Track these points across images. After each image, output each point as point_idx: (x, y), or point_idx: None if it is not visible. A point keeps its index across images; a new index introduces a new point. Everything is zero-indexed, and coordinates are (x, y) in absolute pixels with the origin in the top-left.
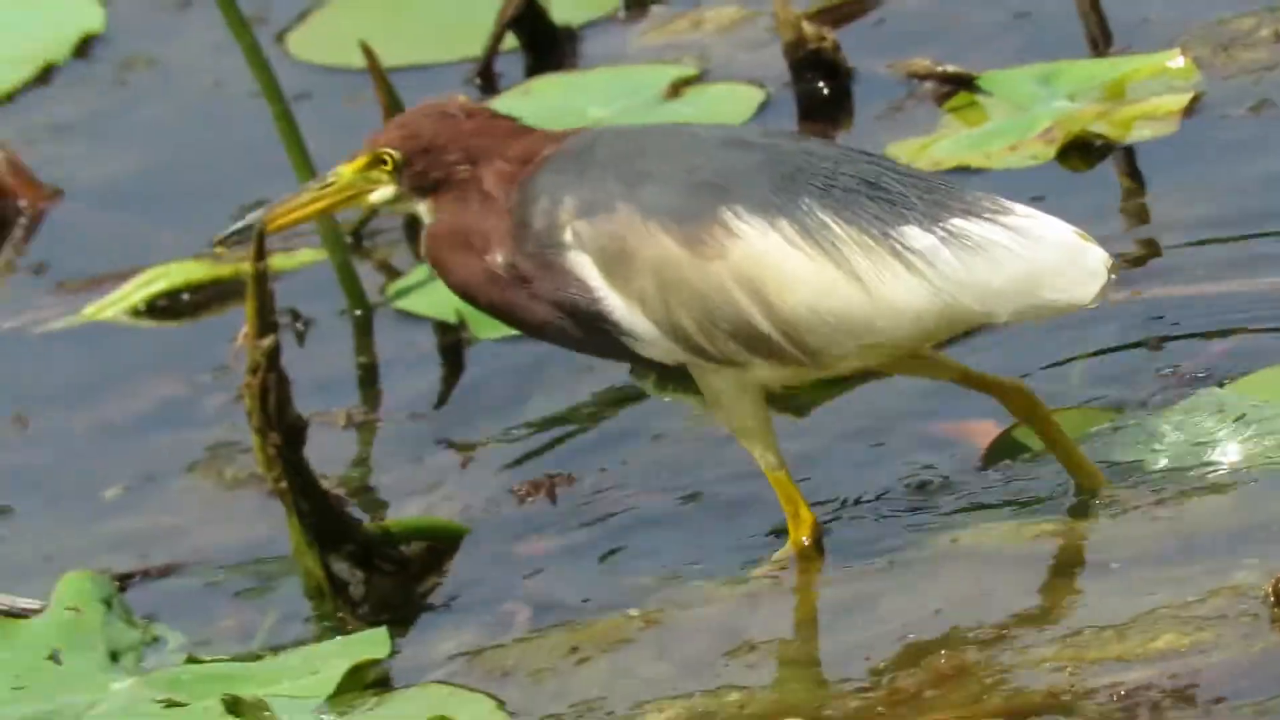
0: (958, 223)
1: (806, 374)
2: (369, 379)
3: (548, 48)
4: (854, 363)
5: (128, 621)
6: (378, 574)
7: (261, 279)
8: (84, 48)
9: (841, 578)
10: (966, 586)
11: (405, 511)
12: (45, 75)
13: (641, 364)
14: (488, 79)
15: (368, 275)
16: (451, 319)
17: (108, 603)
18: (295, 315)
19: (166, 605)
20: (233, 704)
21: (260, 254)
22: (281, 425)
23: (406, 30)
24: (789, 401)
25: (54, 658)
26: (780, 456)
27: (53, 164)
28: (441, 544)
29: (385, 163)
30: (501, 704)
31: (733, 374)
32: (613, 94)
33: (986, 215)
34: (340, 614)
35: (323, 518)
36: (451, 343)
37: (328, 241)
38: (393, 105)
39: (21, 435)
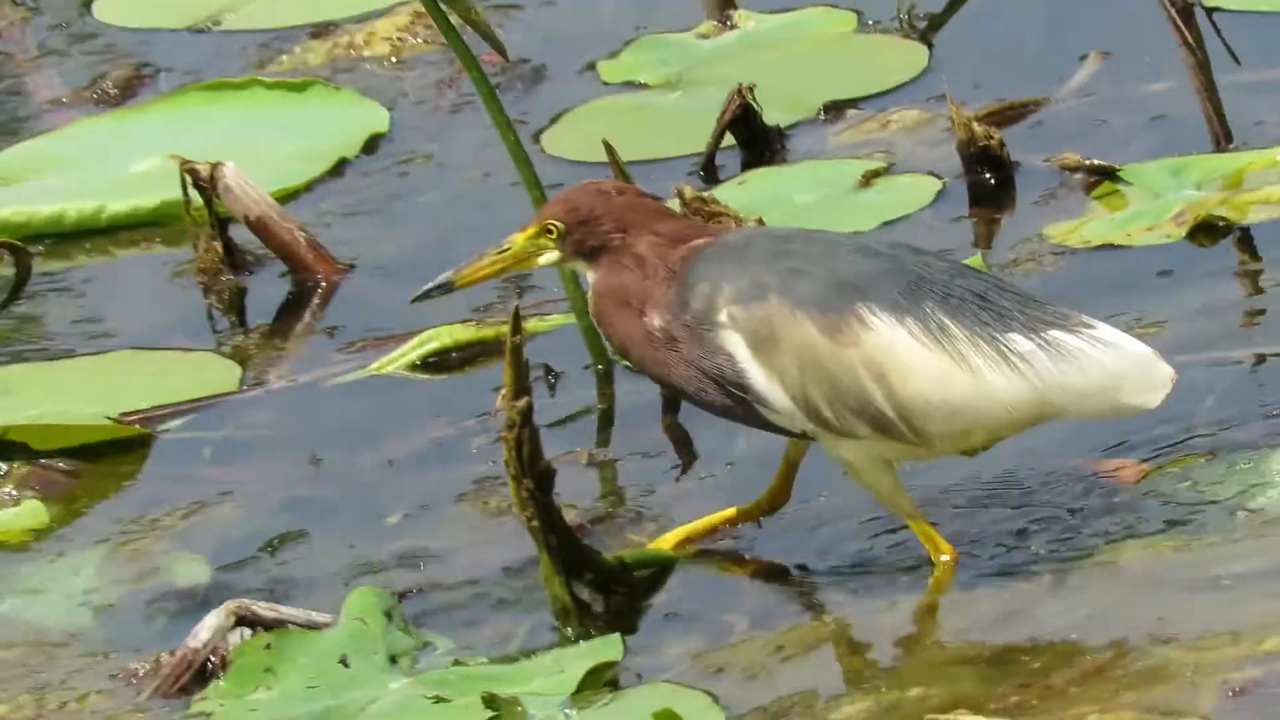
0: (1052, 333)
1: (911, 452)
2: (607, 423)
3: (760, 145)
4: (952, 446)
5: (405, 630)
6: (614, 595)
7: (518, 350)
8: (372, 145)
9: (1000, 592)
10: (1107, 599)
11: (639, 535)
12: (339, 169)
13: (769, 429)
14: (710, 171)
15: None
16: None
17: (389, 614)
18: (548, 369)
19: (437, 616)
20: (490, 700)
21: (517, 328)
22: (534, 472)
23: (641, 130)
24: None
25: (343, 661)
26: (911, 504)
27: (345, 244)
28: (665, 568)
29: (551, 232)
30: (716, 699)
31: (851, 445)
32: (814, 184)
33: (1075, 329)
34: (583, 630)
35: (567, 550)
36: (674, 394)
37: (576, 307)
38: None
39: (316, 472)
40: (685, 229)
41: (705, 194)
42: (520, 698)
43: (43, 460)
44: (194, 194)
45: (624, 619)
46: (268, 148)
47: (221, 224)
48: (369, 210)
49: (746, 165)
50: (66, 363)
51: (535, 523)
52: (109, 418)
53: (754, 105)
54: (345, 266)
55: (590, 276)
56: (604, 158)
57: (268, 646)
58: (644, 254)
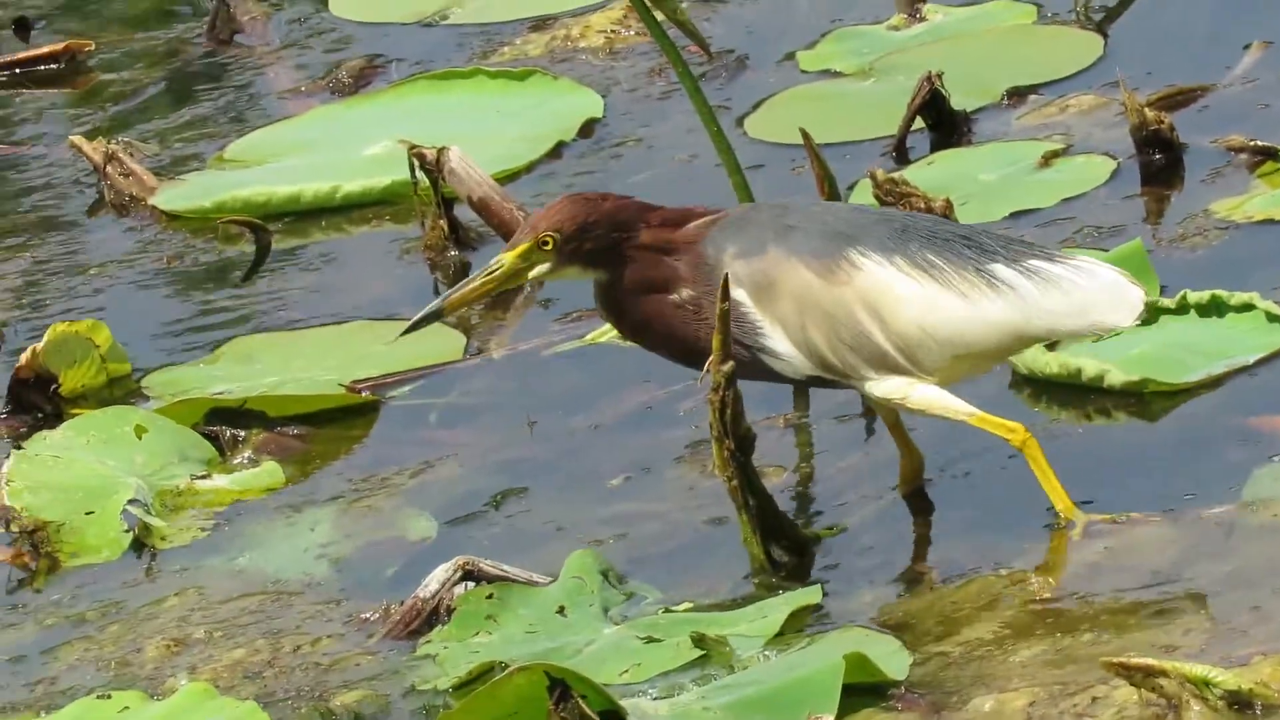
0: (1033, 263)
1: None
2: (802, 391)
3: (948, 128)
4: (947, 375)
5: (618, 586)
6: (808, 556)
7: (725, 316)
8: (587, 130)
9: (1165, 547)
10: (1267, 553)
11: (829, 492)
12: (556, 151)
13: (781, 382)
14: (900, 153)
15: None
16: None
17: (604, 573)
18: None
19: (649, 572)
20: (699, 639)
21: (726, 295)
22: (735, 434)
23: (836, 115)
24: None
25: (560, 612)
26: (962, 403)
27: None
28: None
29: (547, 244)
30: (904, 643)
31: (869, 386)
32: (998, 164)
33: (1054, 259)
34: (778, 583)
35: (764, 513)
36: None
37: None
38: (825, 174)
39: (533, 435)
40: (679, 213)
41: (896, 175)
42: (726, 638)
43: (278, 428)
44: (421, 176)
45: (819, 572)
46: (490, 132)
47: (446, 204)
48: (584, 190)
49: (935, 147)
50: (303, 333)
51: (735, 483)
52: (342, 385)
53: (942, 91)
54: None
55: (598, 278)
56: (799, 140)
57: (490, 596)
58: (650, 241)
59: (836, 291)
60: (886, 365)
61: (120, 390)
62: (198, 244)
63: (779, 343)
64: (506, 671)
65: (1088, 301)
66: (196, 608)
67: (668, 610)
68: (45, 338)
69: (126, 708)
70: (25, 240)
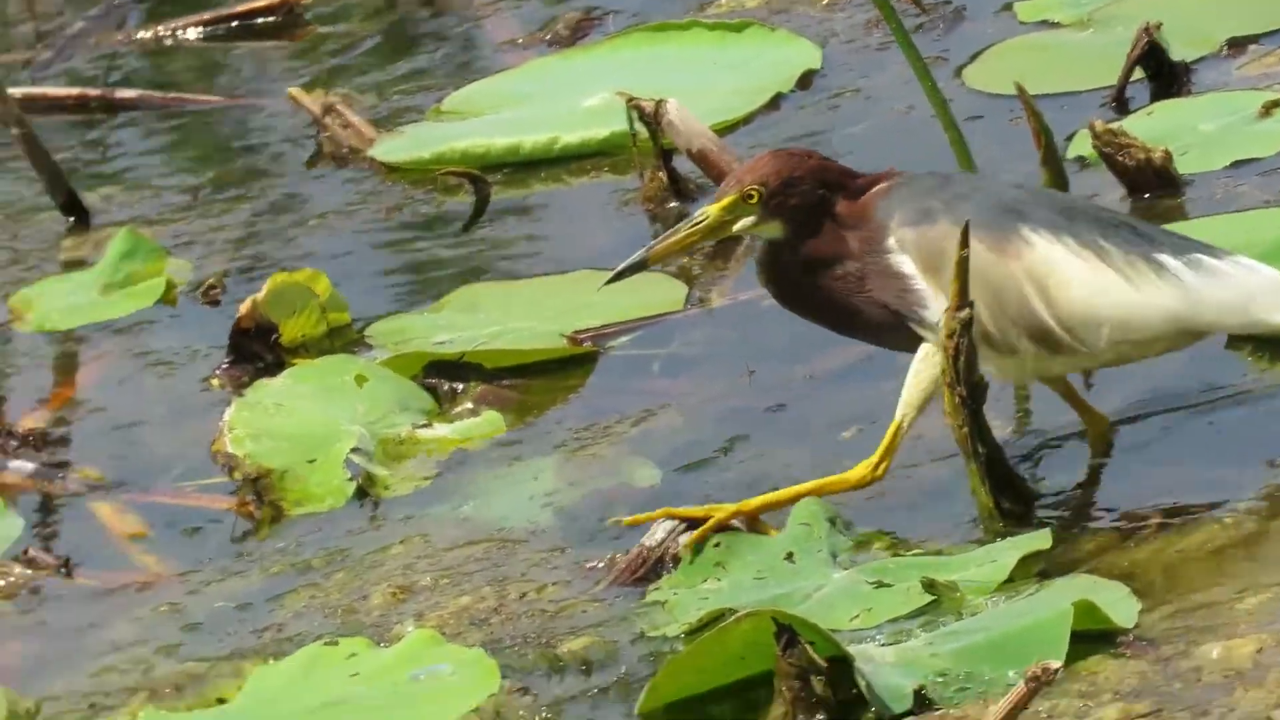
0: (1196, 255)
1: (1064, 364)
2: None
3: (1167, 78)
4: (1105, 357)
5: (845, 532)
6: (1035, 507)
7: (964, 264)
8: (805, 81)
9: None
10: None
11: (1050, 444)
12: (774, 103)
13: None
14: (1120, 104)
15: None
16: None
17: (831, 520)
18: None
19: (875, 516)
20: (929, 584)
21: (965, 243)
22: (967, 382)
23: (1054, 66)
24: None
25: (789, 558)
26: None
27: None
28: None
29: (752, 197)
30: (1132, 590)
31: (1011, 362)
32: (1217, 114)
33: (1215, 254)
34: (1007, 531)
35: (993, 463)
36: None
37: None
38: (1041, 127)
39: (752, 384)
40: (866, 181)
41: (1115, 125)
42: (956, 583)
43: (496, 380)
44: (640, 128)
45: (1046, 520)
46: (707, 84)
47: (665, 155)
48: (802, 141)
49: (1154, 97)
50: (523, 283)
51: (965, 430)
52: (563, 335)
53: (1160, 42)
54: None
55: (780, 236)
56: (1018, 94)
57: (718, 545)
58: (841, 211)
59: (1007, 266)
60: (1048, 342)
61: (340, 340)
62: (417, 195)
63: (938, 313)
64: (734, 617)
65: (1251, 298)
66: (422, 555)
67: (897, 555)
68: (265, 288)
69: (354, 654)
70: (245, 192)
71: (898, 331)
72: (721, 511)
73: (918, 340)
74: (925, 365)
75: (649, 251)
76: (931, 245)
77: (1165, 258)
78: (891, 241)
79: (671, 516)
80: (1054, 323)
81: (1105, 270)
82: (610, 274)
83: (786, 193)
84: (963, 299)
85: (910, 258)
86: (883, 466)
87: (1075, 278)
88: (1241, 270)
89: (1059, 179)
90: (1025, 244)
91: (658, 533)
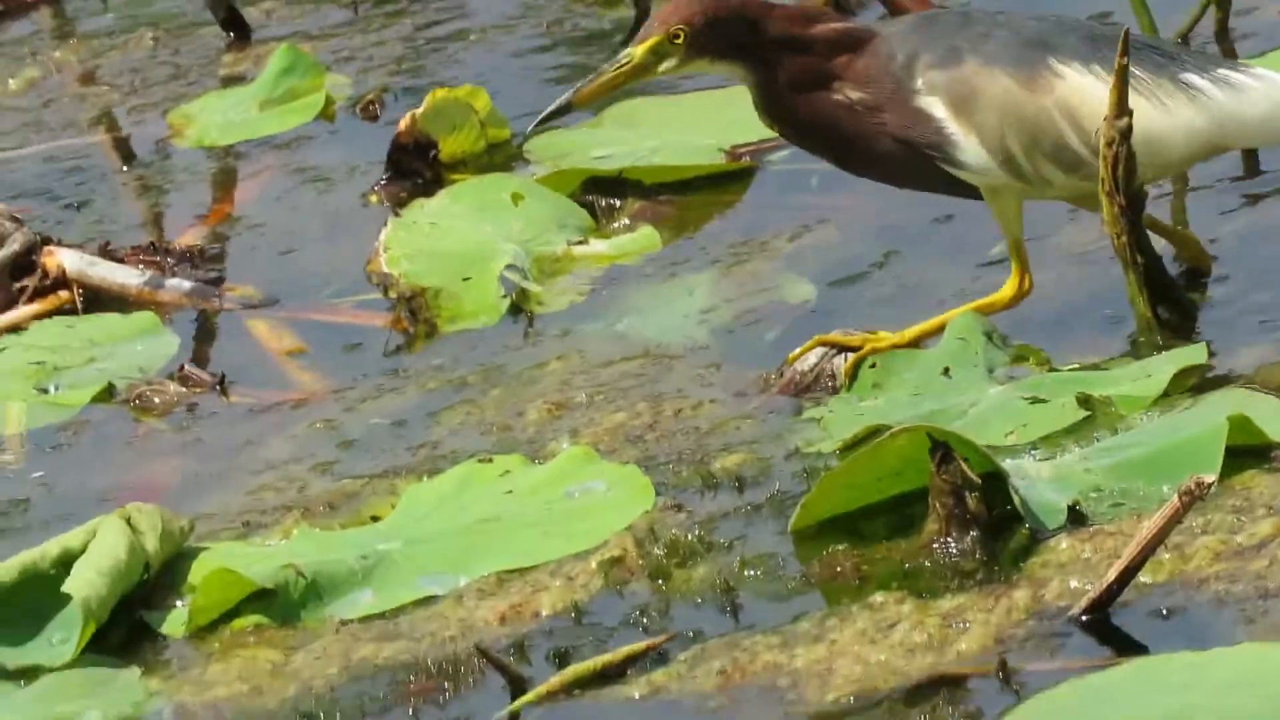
0: (1222, 71)
1: (1087, 188)
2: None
3: None
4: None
5: (1001, 346)
6: (1193, 318)
7: (1124, 71)
8: None
9: None
10: None
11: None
12: None
13: (946, 189)
14: None
15: None
16: None
17: (988, 335)
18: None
19: (1032, 334)
20: (1084, 400)
21: (1125, 51)
22: (1126, 191)
23: None
24: None
25: (945, 372)
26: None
27: None
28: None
29: (677, 38)
30: None
31: (1029, 191)
32: None
33: (1239, 69)
34: (1163, 341)
35: (1151, 273)
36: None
37: None
38: None
39: (910, 200)
40: (802, 11)
41: None
42: (1111, 398)
43: (654, 195)
44: None
45: (1201, 332)
46: None
47: None
48: None
49: None
50: (681, 98)
51: (1124, 240)
52: (722, 150)
53: None
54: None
55: (749, 79)
56: None
57: (873, 366)
58: (779, 34)
59: (1040, 100)
60: (1082, 171)
61: (499, 156)
62: (577, 9)
63: (970, 152)
64: (889, 433)
65: (1275, 108)
66: (577, 371)
67: (1053, 369)
68: (425, 103)
69: (508, 471)
70: (404, 6)
71: (910, 167)
72: (878, 341)
73: (930, 179)
74: (998, 198)
75: (574, 94)
76: (962, 87)
77: (1192, 77)
78: (919, 83)
79: (825, 344)
80: (1088, 151)
81: (1135, 95)
82: (537, 120)
83: (710, 32)
84: (1121, 107)
85: (940, 99)
86: (1027, 280)
87: (1106, 105)
88: (1266, 84)
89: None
90: (1056, 76)
91: (810, 357)
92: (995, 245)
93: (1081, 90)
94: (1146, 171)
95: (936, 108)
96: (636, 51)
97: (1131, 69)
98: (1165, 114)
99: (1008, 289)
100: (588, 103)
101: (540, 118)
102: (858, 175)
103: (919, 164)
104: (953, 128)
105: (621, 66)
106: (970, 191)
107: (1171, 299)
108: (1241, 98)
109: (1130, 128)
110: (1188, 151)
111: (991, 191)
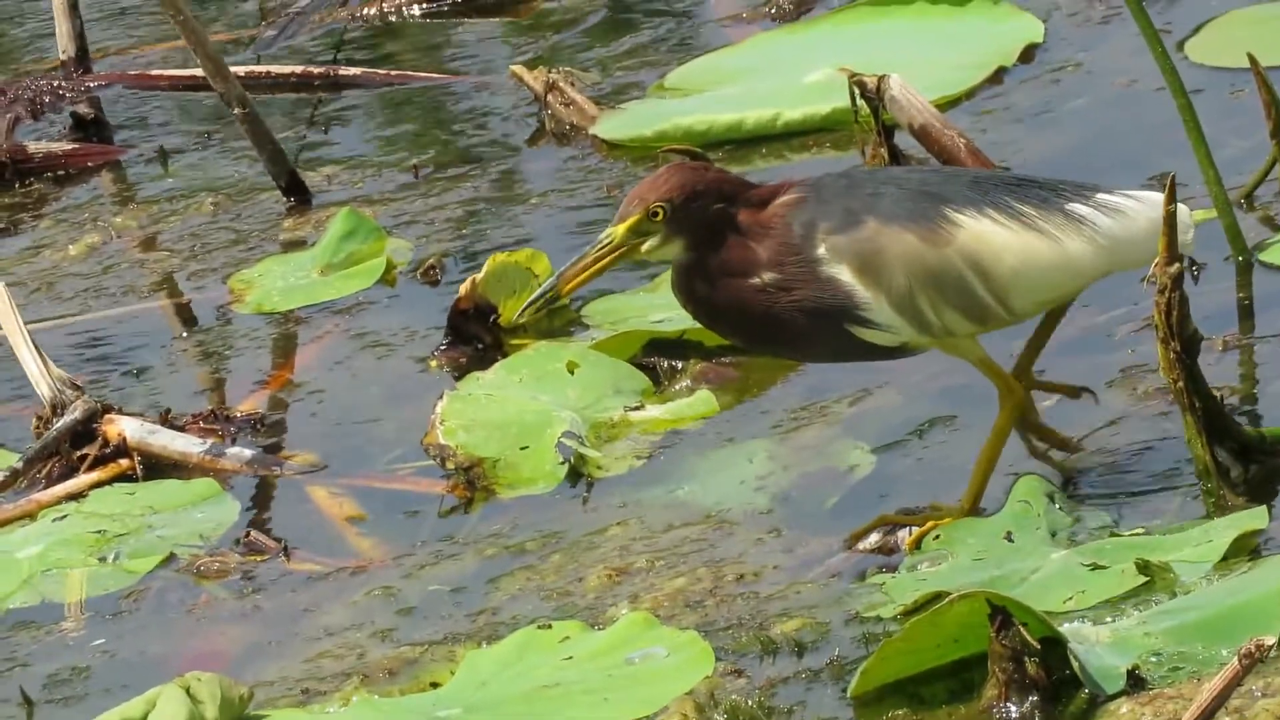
0: (1101, 197)
1: (984, 332)
2: (1246, 313)
3: None
4: (1032, 314)
5: (1063, 509)
6: (1252, 464)
7: (1172, 218)
8: (1028, 55)
9: None
10: None
11: (1270, 413)
12: (997, 77)
13: (858, 356)
14: None
15: (1251, 229)
16: None
17: (1050, 497)
18: (1192, 261)
19: (1093, 496)
20: (1144, 566)
21: (1172, 198)
22: (1181, 336)
23: (1277, 38)
24: None
25: (1007, 537)
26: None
27: (1001, 145)
28: None
29: (657, 215)
30: None
31: (944, 344)
32: None
33: (1118, 194)
34: (1222, 491)
35: (1209, 414)
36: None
37: (1218, 203)
38: (1273, 99)
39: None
40: (766, 192)
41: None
42: (1171, 564)
43: (716, 358)
44: (862, 103)
45: (1261, 487)
46: (929, 58)
47: (887, 131)
48: (1024, 116)
49: None
50: None
51: (1181, 384)
52: None
53: None
54: (1002, 168)
55: (684, 256)
56: (1241, 63)
57: (938, 537)
58: (745, 221)
59: (943, 252)
60: (983, 317)
61: (560, 320)
62: (639, 173)
63: (881, 312)
64: (948, 599)
65: (1153, 227)
66: (637, 537)
67: (1113, 535)
68: (485, 268)
69: (567, 637)
70: (466, 170)
71: (823, 341)
72: (940, 518)
73: (844, 348)
74: (956, 348)
75: (559, 280)
76: (865, 247)
77: (1077, 207)
78: (822, 251)
79: (888, 523)
80: (990, 297)
81: (1029, 234)
82: (523, 305)
83: (689, 208)
84: (1171, 254)
85: (846, 264)
86: (1012, 382)
87: (1005, 248)
88: (1146, 205)
89: None
90: (954, 226)
91: (873, 535)
92: (1045, 400)
93: (981, 236)
94: (1042, 307)
95: (843, 273)
96: (617, 231)
97: (1021, 207)
98: (1060, 249)
99: (1004, 401)
100: (572, 287)
101: (527, 304)
102: (770, 355)
103: (831, 334)
104: (861, 290)
105: (603, 248)
106: (887, 354)
107: (1231, 440)
108: (1126, 221)
109: (1182, 274)
110: (1084, 282)
111: (952, 349)
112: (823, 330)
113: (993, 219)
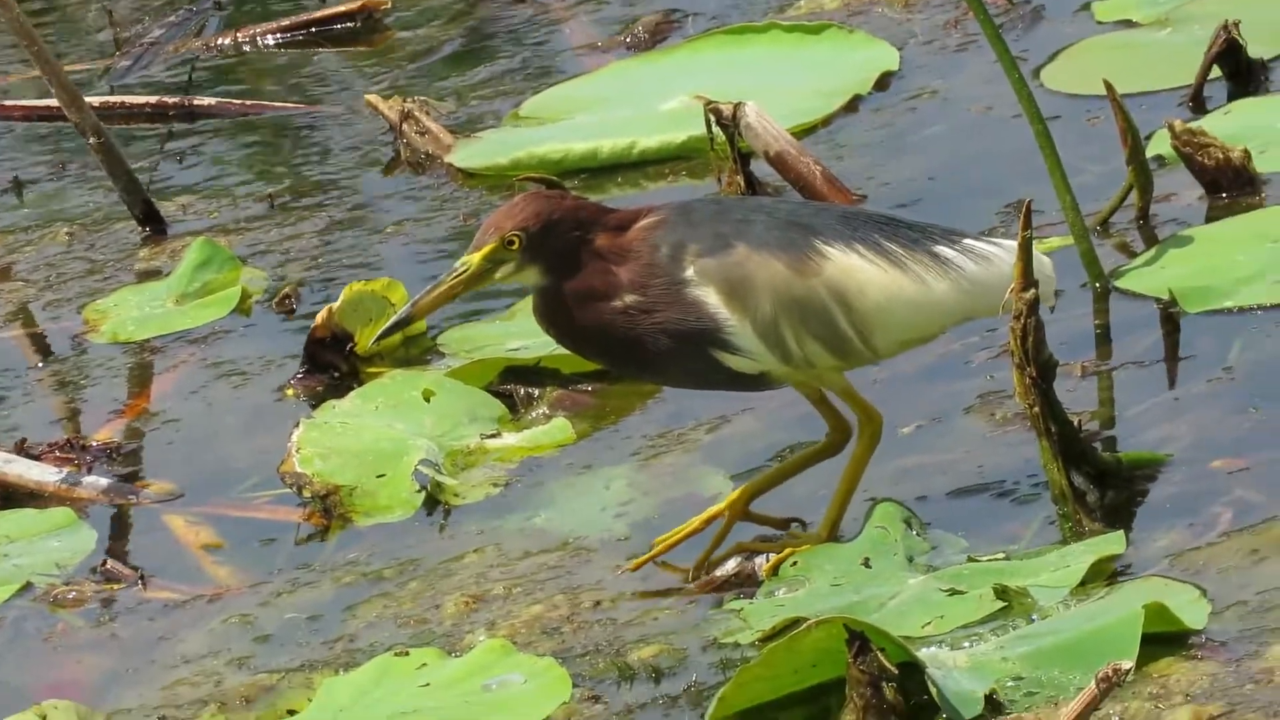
0: (968, 242)
1: (844, 368)
2: (1103, 339)
3: (1245, 78)
4: (892, 353)
5: (920, 534)
6: (1108, 489)
7: (1027, 245)
8: (883, 82)
9: None
10: None
11: (1127, 439)
12: (853, 105)
13: (720, 383)
14: (1197, 103)
15: (1107, 256)
16: (1164, 296)
17: (907, 522)
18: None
19: (949, 520)
20: (1001, 591)
21: (1027, 224)
22: (1037, 361)
23: (1133, 65)
24: None
25: (865, 563)
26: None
27: (857, 174)
28: (1154, 467)
29: (513, 244)
30: (1204, 592)
31: (804, 375)
32: None
33: (983, 240)
34: (1078, 516)
35: (1065, 440)
36: (1166, 314)
37: (1075, 230)
38: (1129, 126)
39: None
40: (624, 217)
41: (1193, 125)
42: (1028, 589)
43: (572, 385)
44: (717, 131)
45: (1117, 513)
46: (786, 86)
47: (743, 158)
48: (880, 143)
49: (1232, 96)
50: None
51: (1037, 409)
52: None
53: (1239, 40)
54: (858, 196)
55: (543, 281)
56: (1096, 90)
57: (794, 564)
58: (603, 246)
59: (809, 282)
60: (844, 352)
61: (415, 349)
62: (494, 201)
63: (745, 338)
64: (805, 625)
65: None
66: (494, 564)
67: (971, 560)
68: (341, 297)
69: (424, 664)
70: (321, 200)
71: (685, 364)
72: (798, 545)
73: (706, 373)
74: (820, 378)
75: (414, 307)
76: (732, 272)
77: (943, 250)
78: (690, 273)
79: (744, 551)
80: (851, 331)
81: (895, 272)
82: (379, 330)
83: (545, 237)
84: (1026, 280)
85: (713, 287)
86: (871, 411)
87: (870, 284)
88: (1004, 252)
89: (1145, 178)
90: (822, 258)
91: (729, 562)
92: (905, 426)
93: (848, 270)
94: (902, 346)
95: (710, 295)
96: (473, 259)
97: (889, 245)
98: (925, 289)
99: (864, 429)
100: (427, 313)
101: (383, 330)
102: (634, 377)
103: (693, 358)
104: (725, 314)
105: (459, 275)
106: (746, 384)
107: (1088, 465)
108: (991, 268)
109: (1037, 300)
110: (945, 324)
111: (814, 375)
112: (685, 353)
113: (860, 254)
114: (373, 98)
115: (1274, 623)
